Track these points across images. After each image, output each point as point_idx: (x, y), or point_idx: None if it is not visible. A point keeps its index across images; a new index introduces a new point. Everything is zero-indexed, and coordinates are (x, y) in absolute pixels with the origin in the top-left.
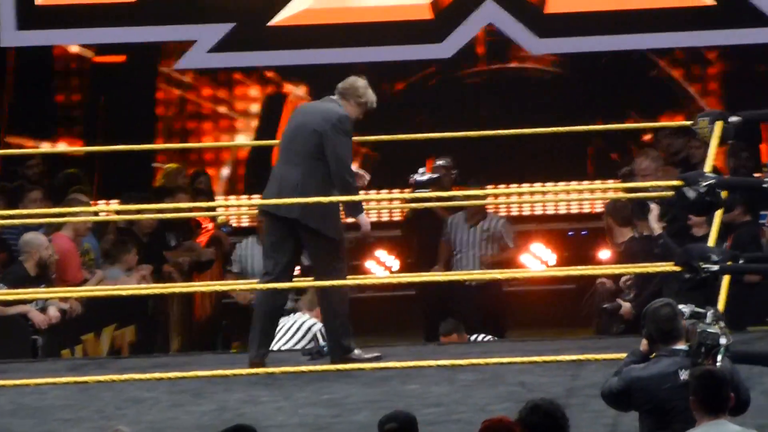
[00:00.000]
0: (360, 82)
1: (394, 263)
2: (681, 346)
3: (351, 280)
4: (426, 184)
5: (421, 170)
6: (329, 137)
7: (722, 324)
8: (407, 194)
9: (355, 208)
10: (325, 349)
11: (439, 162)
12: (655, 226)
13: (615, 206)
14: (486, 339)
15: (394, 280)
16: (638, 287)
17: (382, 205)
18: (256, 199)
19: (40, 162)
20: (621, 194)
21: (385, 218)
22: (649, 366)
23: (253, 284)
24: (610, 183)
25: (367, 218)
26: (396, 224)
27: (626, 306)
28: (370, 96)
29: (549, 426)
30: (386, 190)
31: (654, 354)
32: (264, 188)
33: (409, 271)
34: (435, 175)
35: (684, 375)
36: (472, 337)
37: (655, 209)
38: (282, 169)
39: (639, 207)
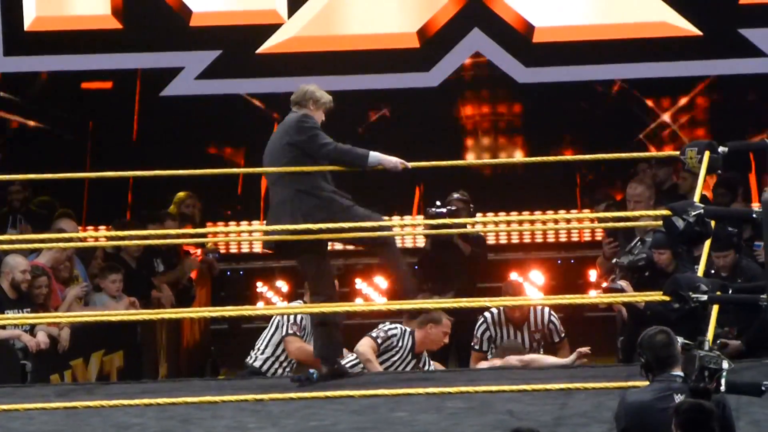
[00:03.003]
0: (309, 85)
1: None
2: (677, 371)
3: (349, 306)
4: (443, 218)
5: (437, 203)
6: (305, 140)
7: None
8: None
9: (361, 161)
10: (315, 375)
11: (456, 195)
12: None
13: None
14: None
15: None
16: None
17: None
18: (244, 226)
19: (23, 188)
20: (611, 223)
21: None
22: (644, 390)
23: (243, 309)
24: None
25: (386, 156)
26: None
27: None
28: (325, 94)
29: None
30: None
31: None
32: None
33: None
34: (452, 208)
35: (679, 399)
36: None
37: (627, 287)
38: (271, 192)
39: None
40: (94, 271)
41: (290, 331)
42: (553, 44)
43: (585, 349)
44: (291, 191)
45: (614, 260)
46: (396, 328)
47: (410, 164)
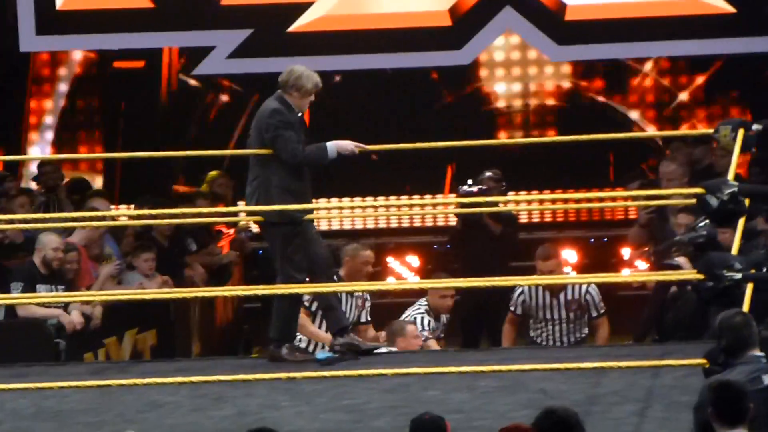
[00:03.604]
0: (297, 69)
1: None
2: (756, 353)
3: (373, 286)
4: (474, 196)
5: (469, 182)
6: (269, 139)
7: None
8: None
9: (322, 158)
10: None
11: (487, 173)
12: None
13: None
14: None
15: (415, 286)
16: None
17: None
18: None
19: (56, 169)
20: (643, 201)
21: (417, 224)
22: (731, 374)
23: (275, 288)
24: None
25: (341, 142)
26: (428, 230)
27: None
28: (311, 80)
29: None
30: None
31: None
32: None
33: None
34: (483, 187)
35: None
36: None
37: (685, 264)
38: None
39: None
40: (127, 250)
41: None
42: (585, 22)
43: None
44: (257, 182)
45: (676, 237)
46: None
47: (368, 147)
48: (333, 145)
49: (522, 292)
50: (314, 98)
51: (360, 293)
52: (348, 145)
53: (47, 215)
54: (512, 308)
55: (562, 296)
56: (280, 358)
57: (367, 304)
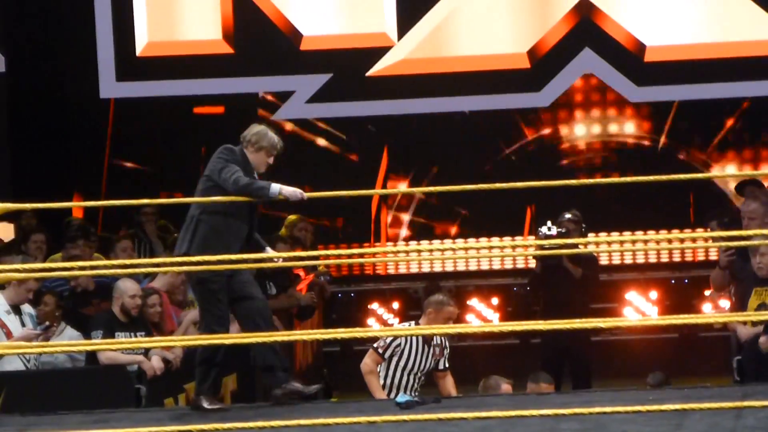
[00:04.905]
0: (257, 126)
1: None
2: None
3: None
4: (554, 239)
5: (548, 224)
6: (216, 171)
7: None
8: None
9: (263, 192)
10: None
11: (567, 216)
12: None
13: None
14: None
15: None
16: None
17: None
18: (355, 249)
19: (157, 211)
20: (724, 243)
21: (497, 266)
22: None
23: (355, 331)
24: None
25: (285, 186)
26: (508, 273)
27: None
28: (268, 139)
29: None
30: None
31: None
32: (359, 236)
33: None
34: (563, 230)
35: None
36: None
37: None
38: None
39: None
40: None
41: (375, 345)
42: (665, 63)
43: None
44: (191, 215)
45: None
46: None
47: (306, 195)
48: (277, 186)
49: None
50: (272, 161)
51: (438, 341)
52: (295, 192)
53: (127, 261)
54: None
55: None
56: (200, 407)
57: (446, 351)
